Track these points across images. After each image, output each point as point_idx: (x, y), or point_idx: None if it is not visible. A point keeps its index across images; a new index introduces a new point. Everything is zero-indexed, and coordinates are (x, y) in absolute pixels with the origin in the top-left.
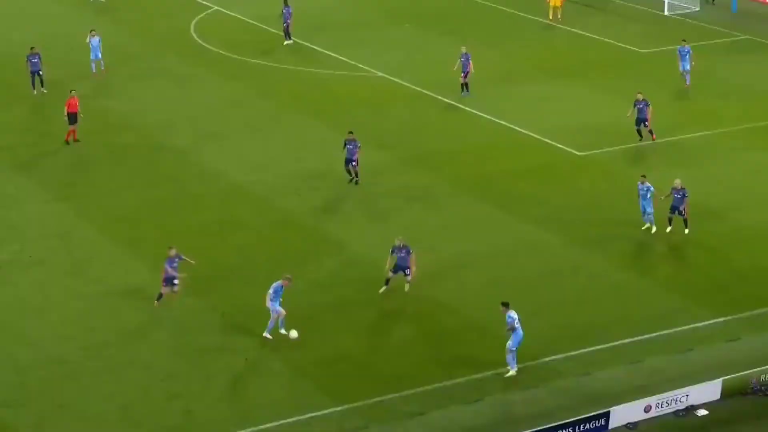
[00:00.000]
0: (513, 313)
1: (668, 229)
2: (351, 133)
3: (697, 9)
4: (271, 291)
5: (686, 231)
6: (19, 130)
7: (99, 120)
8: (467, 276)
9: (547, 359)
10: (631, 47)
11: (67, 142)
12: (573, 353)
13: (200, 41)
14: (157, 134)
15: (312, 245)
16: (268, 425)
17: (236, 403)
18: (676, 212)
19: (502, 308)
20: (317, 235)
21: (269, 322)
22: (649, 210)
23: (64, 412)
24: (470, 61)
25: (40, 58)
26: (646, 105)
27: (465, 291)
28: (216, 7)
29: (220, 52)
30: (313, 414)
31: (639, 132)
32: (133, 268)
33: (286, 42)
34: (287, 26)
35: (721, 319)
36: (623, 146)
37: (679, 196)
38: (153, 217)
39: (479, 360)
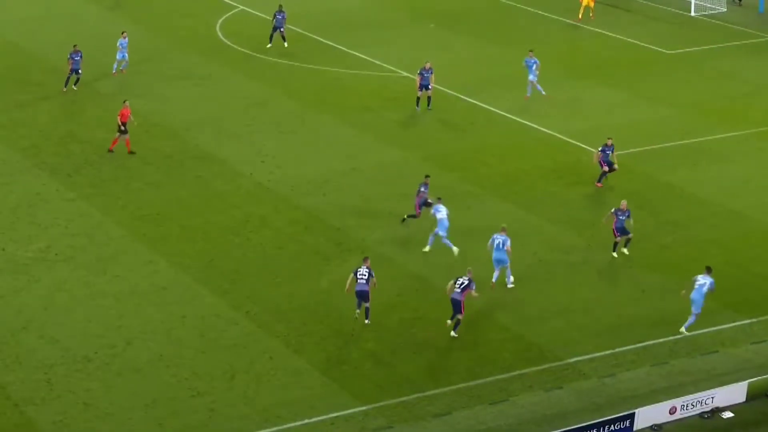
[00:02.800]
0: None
1: (615, 254)
2: (427, 177)
3: (724, 10)
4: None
5: (626, 251)
6: (46, 129)
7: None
8: (491, 277)
9: (571, 360)
10: (657, 48)
11: (111, 151)
12: (597, 354)
13: (226, 41)
14: (181, 133)
15: (335, 245)
16: (291, 424)
17: (259, 402)
18: (623, 234)
19: (705, 271)
20: (341, 234)
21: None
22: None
23: (88, 410)
24: (432, 75)
25: (81, 56)
26: (612, 150)
27: (489, 292)
28: (242, 7)
29: (245, 51)
30: (336, 414)
31: (604, 175)
32: (157, 267)
33: (268, 46)
34: (282, 31)
35: (747, 321)
36: (647, 147)
37: (624, 218)
38: (177, 216)
39: (503, 360)
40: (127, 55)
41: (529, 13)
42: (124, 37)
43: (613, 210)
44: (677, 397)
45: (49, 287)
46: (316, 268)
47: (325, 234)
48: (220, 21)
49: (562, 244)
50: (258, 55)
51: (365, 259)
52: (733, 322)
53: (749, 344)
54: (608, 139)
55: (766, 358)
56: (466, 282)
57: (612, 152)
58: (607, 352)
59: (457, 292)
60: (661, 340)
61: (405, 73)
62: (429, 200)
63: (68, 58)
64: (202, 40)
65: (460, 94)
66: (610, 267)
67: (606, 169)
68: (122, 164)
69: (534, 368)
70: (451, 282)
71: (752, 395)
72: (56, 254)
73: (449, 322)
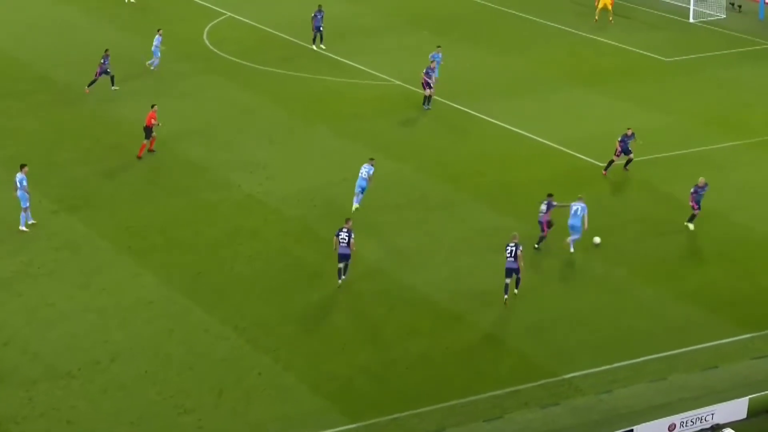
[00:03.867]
0: None
1: (691, 226)
2: (550, 195)
3: (723, 16)
4: None
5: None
6: (31, 138)
7: (111, 129)
8: (487, 289)
9: (567, 375)
10: (656, 55)
11: (139, 158)
12: (594, 370)
13: (213, 48)
14: (169, 143)
15: (326, 257)
16: None
17: (248, 419)
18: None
19: None
20: (331, 247)
21: None
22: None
23: (72, 428)
24: (434, 74)
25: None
26: (632, 138)
27: (484, 305)
28: (229, 14)
29: (234, 59)
30: (326, 431)
31: (627, 164)
32: (143, 280)
33: (316, 47)
34: (321, 31)
35: (747, 336)
36: (646, 157)
37: (703, 192)
38: (164, 228)
39: (498, 376)
40: (158, 52)
41: (525, 19)
42: (160, 34)
43: (693, 189)
44: (676, 413)
45: (32, 302)
46: (307, 281)
47: (316, 246)
48: (207, 28)
49: (558, 257)
50: (247, 63)
51: (347, 221)
52: (734, 336)
53: (750, 359)
54: (628, 129)
55: None
56: (515, 248)
57: (633, 140)
58: (605, 367)
59: (511, 261)
60: (659, 354)
61: (398, 82)
62: (551, 221)
63: (101, 61)
64: (189, 47)
65: (455, 102)
66: (607, 280)
67: (615, 158)
68: (108, 175)
69: (529, 384)
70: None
71: (753, 412)
72: (39, 268)
73: (506, 296)
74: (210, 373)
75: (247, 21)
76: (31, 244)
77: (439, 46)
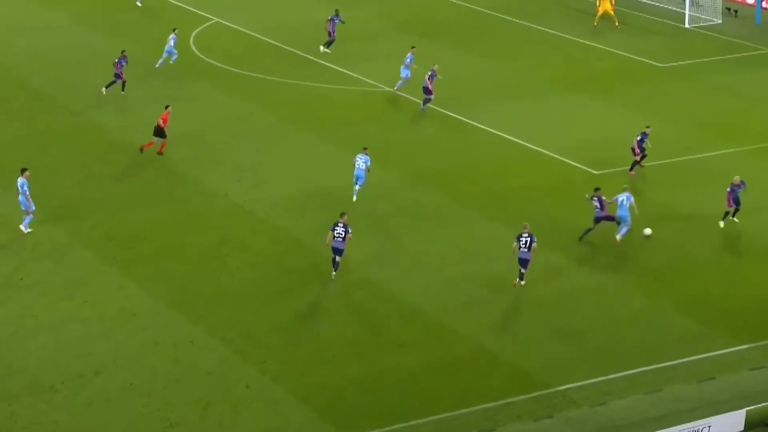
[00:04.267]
0: None
1: (722, 223)
2: (597, 189)
3: (719, 21)
4: None
5: (735, 219)
6: (11, 146)
7: (95, 137)
8: (479, 300)
9: (561, 387)
10: (651, 61)
11: (141, 150)
12: (589, 381)
13: (200, 54)
14: (155, 151)
15: (316, 267)
16: None
17: None
18: (737, 204)
19: None
20: (321, 256)
21: None
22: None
23: None
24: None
25: (126, 62)
26: (647, 137)
27: (476, 317)
28: (216, 19)
29: (221, 65)
30: None
31: (635, 164)
32: (128, 291)
33: (324, 49)
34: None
35: (744, 347)
36: (641, 164)
37: (739, 190)
38: (150, 238)
39: (491, 389)
40: (170, 50)
41: (517, 25)
42: (175, 34)
43: (729, 188)
44: (673, 425)
45: (15, 313)
46: (295, 291)
47: (305, 256)
48: (194, 33)
49: (551, 267)
50: (234, 70)
51: (342, 215)
52: (731, 347)
53: (747, 370)
54: (647, 127)
55: (765, 384)
56: (529, 239)
57: (646, 138)
58: (599, 378)
59: (525, 251)
60: (655, 366)
61: (387, 88)
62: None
63: (117, 63)
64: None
65: (446, 109)
66: (601, 290)
67: (638, 158)
68: (92, 183)
69: (522, 396)
70: (515, 243)
71: (751, 424)
72: (22, 278)
73: (516, 281)
74: (196, 385)
75: (234, 26)
76: (14, 255)
77: (413, 47)
